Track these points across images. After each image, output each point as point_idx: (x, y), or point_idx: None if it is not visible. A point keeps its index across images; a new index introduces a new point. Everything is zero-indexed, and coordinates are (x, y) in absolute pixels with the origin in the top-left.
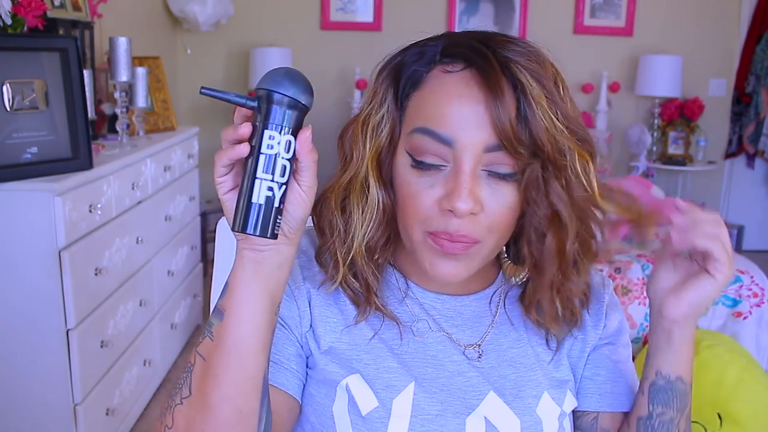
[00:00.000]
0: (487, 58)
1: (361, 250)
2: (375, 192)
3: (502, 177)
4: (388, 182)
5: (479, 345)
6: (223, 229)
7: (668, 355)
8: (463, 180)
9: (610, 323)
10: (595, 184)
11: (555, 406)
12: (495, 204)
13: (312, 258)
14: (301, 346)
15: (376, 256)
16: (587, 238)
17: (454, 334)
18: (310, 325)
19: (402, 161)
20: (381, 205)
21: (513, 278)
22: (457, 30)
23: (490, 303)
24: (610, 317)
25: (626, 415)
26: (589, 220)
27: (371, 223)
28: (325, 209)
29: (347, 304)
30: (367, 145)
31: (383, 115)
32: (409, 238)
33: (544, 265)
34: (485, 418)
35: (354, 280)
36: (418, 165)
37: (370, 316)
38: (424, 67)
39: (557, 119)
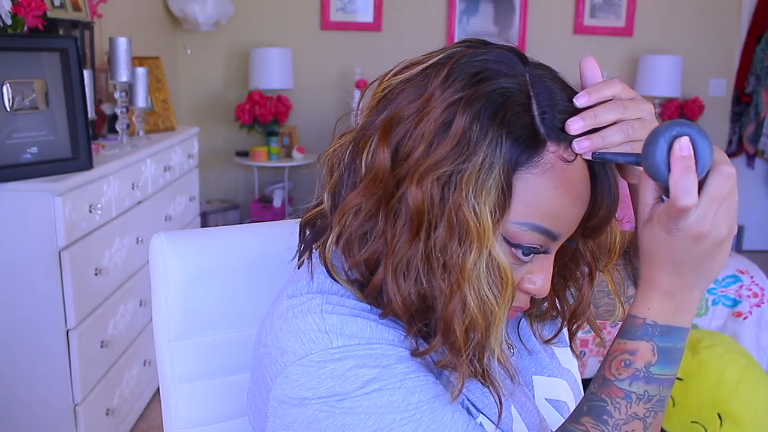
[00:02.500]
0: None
1: (501, 344)
2: (509, 272)
3: None
4: None
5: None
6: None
7: None
8: (551, 265)
9: None
10: None
11: (564, 350)
12: None
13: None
14: None
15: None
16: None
17: None
18: None
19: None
20: (514, 285)
21: None
22: (456, 30)
23: None
24: None
25: None
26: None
27: (508, 308)
28: (460, 312)
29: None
30: (486, 218)
31: (493, 183)
32: None
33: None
34: (546, 400)
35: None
36: (515, 249)
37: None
38: (535, 143)
39: None
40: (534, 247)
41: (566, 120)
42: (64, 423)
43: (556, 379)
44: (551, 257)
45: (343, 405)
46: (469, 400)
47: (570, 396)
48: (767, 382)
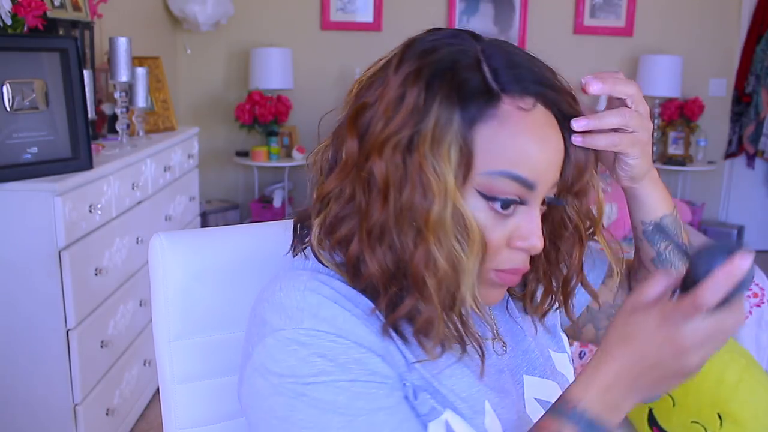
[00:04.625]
0: (556, 90)
1: (474, 294)
2: (474, 224)
3: (545, 202)
4: None
5: (497, 334)
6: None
7: (641, 208)
8: (537, 218)
9: None
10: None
11: (561, 355)
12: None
13: (347, 296)
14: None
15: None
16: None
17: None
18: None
19: (465, 196)
20: (482, 237)
21: None
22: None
23: None
24: None
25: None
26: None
27: (478, 260)
28: (424, 267)
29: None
30: (447, 173)
31: (451, 140)
32: None
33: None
34: (535, 399)
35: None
36: (493, 202)
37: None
38: (488, 97)
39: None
40: (511, 198)
41: (523, 74)
42: (64, 423)
43: (547, 381)
44: (534, 211)
45: (294, 388)
46: (433, 399)
47: None
48: (767, 382)
